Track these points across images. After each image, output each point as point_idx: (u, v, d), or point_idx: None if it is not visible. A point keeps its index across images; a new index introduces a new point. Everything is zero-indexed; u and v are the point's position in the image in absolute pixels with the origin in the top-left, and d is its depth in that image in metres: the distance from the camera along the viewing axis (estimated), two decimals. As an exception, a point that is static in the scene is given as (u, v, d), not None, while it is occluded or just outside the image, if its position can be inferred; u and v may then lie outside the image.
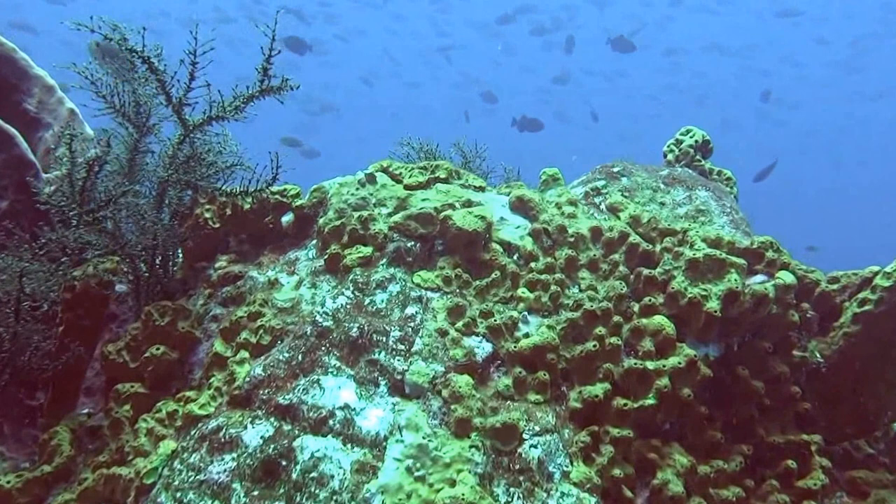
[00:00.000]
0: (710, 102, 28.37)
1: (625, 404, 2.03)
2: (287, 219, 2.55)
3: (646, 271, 2.25)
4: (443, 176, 2.55)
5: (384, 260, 2.28)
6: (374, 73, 25.90)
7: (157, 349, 2.17)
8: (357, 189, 2.46)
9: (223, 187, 2.39)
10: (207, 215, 2.49)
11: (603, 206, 2.55)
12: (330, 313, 2.13)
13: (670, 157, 2.93)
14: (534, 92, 26.49)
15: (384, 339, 2.07)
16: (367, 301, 2.18)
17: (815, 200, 29.92)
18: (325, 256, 2.31)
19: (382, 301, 2.18)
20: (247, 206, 2.48)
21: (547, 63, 24.47)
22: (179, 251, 2.52)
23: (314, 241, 2.45)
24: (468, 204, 2.42)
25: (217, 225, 2.50)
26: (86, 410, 2.18)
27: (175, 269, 2.46)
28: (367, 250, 2.29)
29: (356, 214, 2.36)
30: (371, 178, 2.48)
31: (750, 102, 25.60)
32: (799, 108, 27.73)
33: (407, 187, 2.49)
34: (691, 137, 2.93)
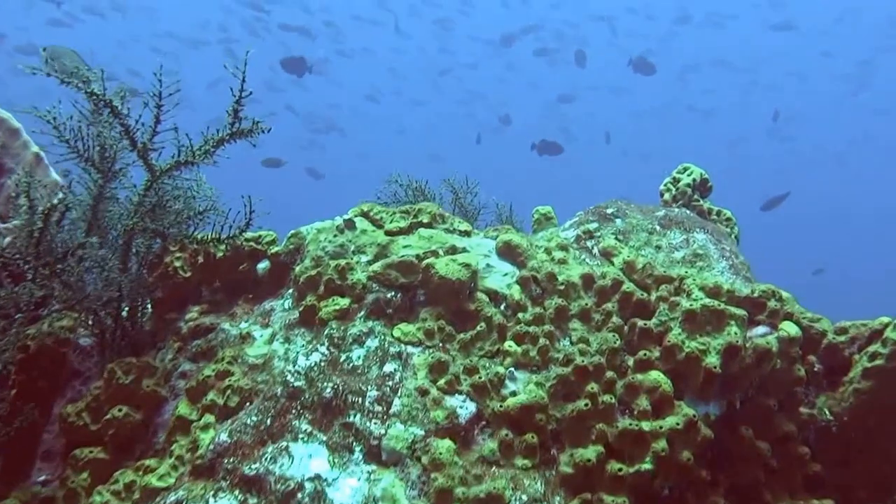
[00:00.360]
0: (718, 119, 28.22)
1: (620, 469, 1.88)
2: (263, 266, 2.42)
3: (641, 323, 2.10)
4: (426, 220, 2.41)
5: (362, 312, 2.15)
6: (379, 91, 25.91)
7: (120, 410, 2.03)
8: (335, 235, 2.33)
9: (195, 234, 2.26)
10: (177, 264, 2.36)
11: (595, 251, 2.40)
12: (302, 372, 1.99)
13: (667, 196, 2.77)
14: (540, 110, 26.42)
15: (360, 399, 1.93)
16: (342, 358, 2.05)
17: (823, 217, 29.59)
18: (301, 308, 2.18)
19: (359, 357, 2.05)
20: (220, 254, 2.35)
21: (552, 81, 24.43)
22: (149, 302, 2.39)
23: (290, 291, 2.32)
24: (452, 250, 2.29)
25: (188, 274, 2.37)
26: (42, 478, 2.04)
27: (144, 320, 2.33)
28: (345, 302, 2.16)
29: (333, 263, 2.22)
30: (350, 224, 2.35)
31: (757, 118, 25.43)
32: (807, 123, 27.53)
33: (388, 233, 2.36)
34: (689, 176, 2.77)
